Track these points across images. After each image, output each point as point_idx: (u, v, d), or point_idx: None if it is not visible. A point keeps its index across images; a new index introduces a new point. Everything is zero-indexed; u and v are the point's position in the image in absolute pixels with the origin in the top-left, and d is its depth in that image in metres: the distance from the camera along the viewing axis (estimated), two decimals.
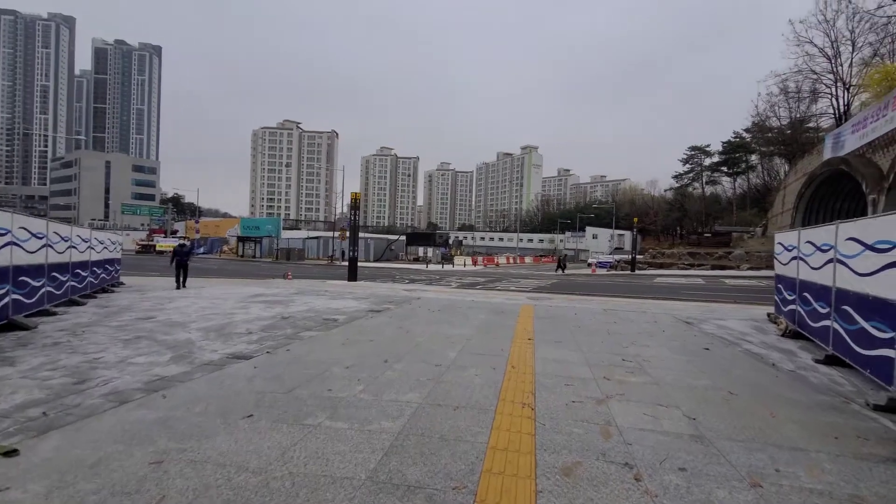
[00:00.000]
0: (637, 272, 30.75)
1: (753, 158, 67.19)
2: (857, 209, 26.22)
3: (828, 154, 25.26)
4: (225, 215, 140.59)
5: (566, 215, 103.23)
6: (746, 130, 66.24)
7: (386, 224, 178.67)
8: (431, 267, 39.19)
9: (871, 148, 19.77)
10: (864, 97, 28.63)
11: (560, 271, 29.99)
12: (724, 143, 67.51)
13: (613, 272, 33.21)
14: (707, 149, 71.31)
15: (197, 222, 63.03)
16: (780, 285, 8.84)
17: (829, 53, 29.33)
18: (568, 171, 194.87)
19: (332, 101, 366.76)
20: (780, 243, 8.83)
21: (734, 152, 66.66)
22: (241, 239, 57.42)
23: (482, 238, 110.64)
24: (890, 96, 18.48)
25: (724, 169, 69.44)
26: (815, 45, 30.18)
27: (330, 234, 46.83)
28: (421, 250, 51.45)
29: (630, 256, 38.11)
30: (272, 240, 55.92)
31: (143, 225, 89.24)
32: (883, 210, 17.06)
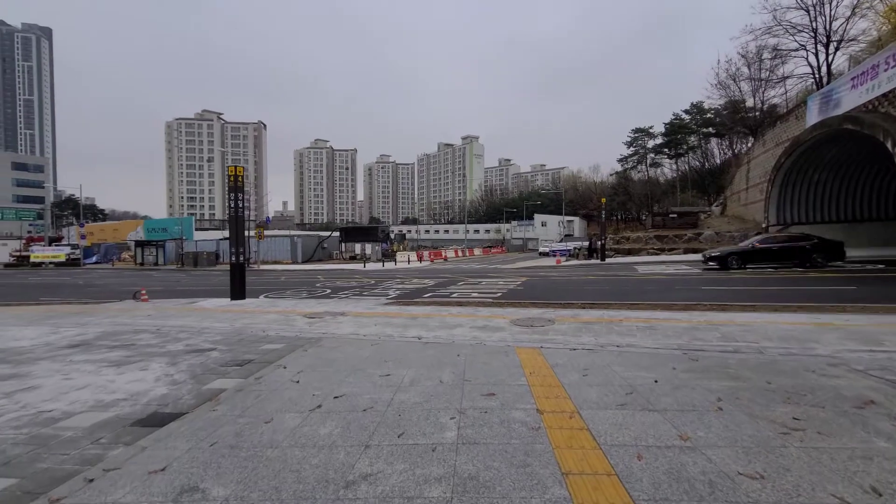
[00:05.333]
0: (607, 260, 26.72)
1: (692, 139, 67.02)
2: (841, 181, 23.59)
3: (813, 118, 22.23)
4: (134, 216, 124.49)
5: (511, 204, 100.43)
6: (686, 111, 65.82)
7: (324, 220, 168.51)
8: (370, 266, 33.13)
9: (889, 100, 16.43)
10: (853, 50, 26.38)
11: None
12: (665, 124, 66.82)
13: (578, 262, 29.05)
14: (651, 130, 70.50)
15: (82, 226, 51.99)
16: None
17: (810, 2, 26.80)
18: (509, 160, 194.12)
19: (265, 93, 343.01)
20: None
21: (675, 134, 66.07)
22: (139, 244, 47.89)
23: (427, 231, 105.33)
24: None
25: (667, 151, 68.97)
26: None
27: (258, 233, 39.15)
28: (359, 247, 45.03)
29: (590, 243, 34.33)
30: (178, 243, 46.94)
31: (29, 231, 75.22)
32: None
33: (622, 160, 77.19)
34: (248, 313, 10.01)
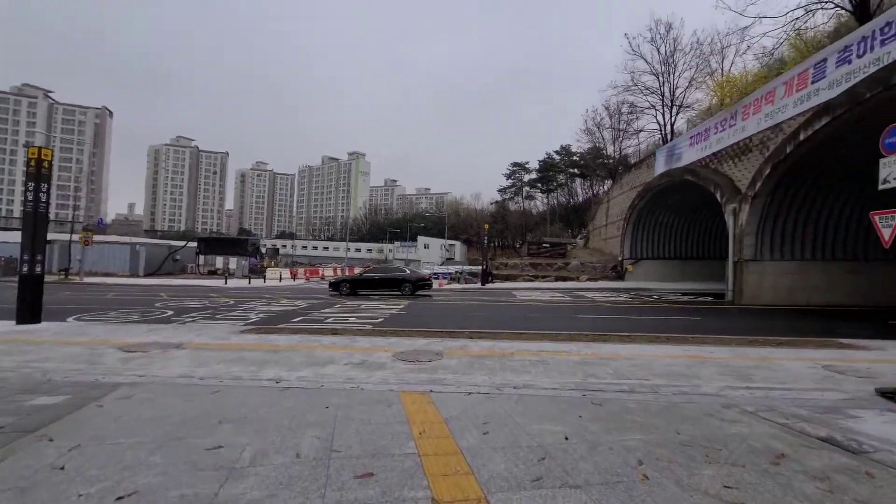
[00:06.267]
0: (487, 285, 27.33)
1: (561, 178, 74.70)
2: (679, 223, 27.66)
3: (660, 168, 25.83)
4: None
5: (395, 225, 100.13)
6: (556, 152, 73.29)
7: (182, 229, 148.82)
8: (233, 283, 29.16)
9: (717, 158, 19.63)
10: (690, 114, 31.65)
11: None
12: (539, 161, 73.43)
13: (460, 286, 29.28)
14: (527, 166, 76.69)
15: None
16: None
17: (659, 70, 31.74)
18: (395, 181, 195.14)
19: (126, 84, 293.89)
20: None
21: (548, 171, 72.92)
22: None
23: (304, 247, 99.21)
24: (738, 105, 18.34)
25: (540, 186, 75.63)
26: (646, 61, 32.29)
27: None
28: (221, 261, 39.80)
29: (478, 268, 35.08)
30: None
31: None
32: (747, 220, 16.20)
33: (501, 191, 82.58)
34: (34, 345, 7.30)
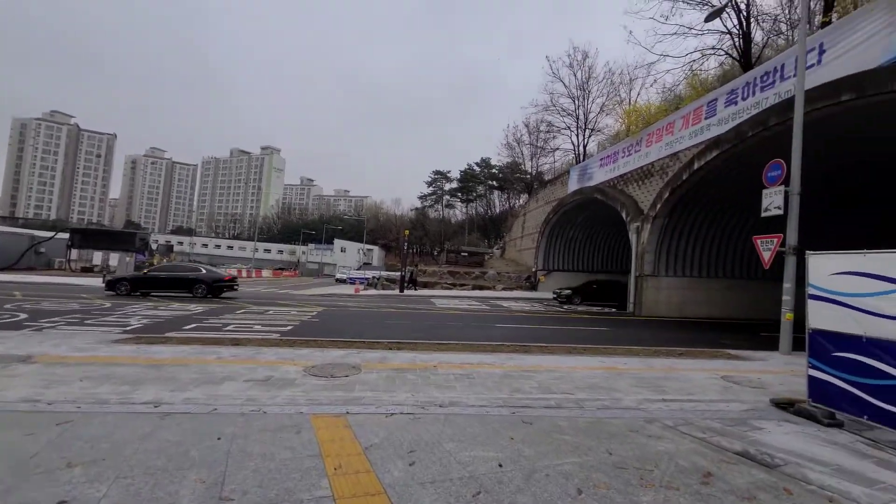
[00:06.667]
0: (405, 292, 26.83)
1: (480, 189, 76.94)
2: (588, 238, 29.56)
3: (573, 185, 27.44)
4: None
5: (310, 226, 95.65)
6: (477, 164, 75.41)
7: (53, 217, 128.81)
8: None
9: (623, 180, 21.25)
10: (599, 139, 34.07)
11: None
12: (461, 171, 74.97)
13: (377, 291, 28.45)
14: (448, 175, 77.81)
15: None
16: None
17: (575, 94, 33.88)
18: (312, 181, 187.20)
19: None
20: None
21: (468, 182, 74.68)
22: None
23: (205, 245, 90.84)
24: (643, 133, 20.03)
25: (460, 195, 77.15)
26: (564, 84, 34.30)
27: None
28: (100, 256, 34.69)
29: (411, 273, 34.42)
30: None
31: None
32: (647, 238, 17.65)
33: (422, 198, 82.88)
34: None
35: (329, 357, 7.05)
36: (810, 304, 4.95)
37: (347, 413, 4.41)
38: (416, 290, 28.39)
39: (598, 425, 4.42)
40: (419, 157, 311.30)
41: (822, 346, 4.80)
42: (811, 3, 20.49)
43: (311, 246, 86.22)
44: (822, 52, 11.27)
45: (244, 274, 45.83)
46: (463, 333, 11.19)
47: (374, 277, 36.24)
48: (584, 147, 36.14)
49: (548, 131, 39.25)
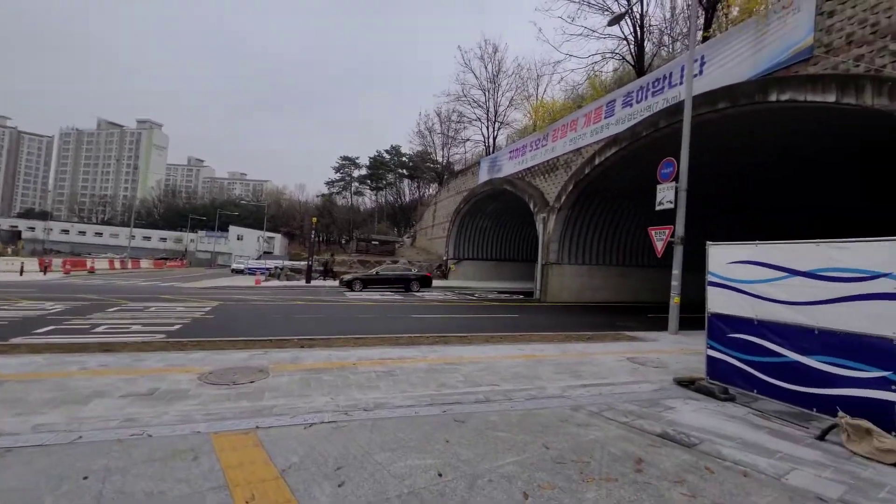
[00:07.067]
0: (312, 283, 25.39)
1: (390, 177, 75.79)
2: (497, 227, 30.54)
3: (484, 176, 28.05)
4: None
5: (200, 211, 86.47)
6: (387, 151, 74.05)
7: None
8: None
9: (531, 173, 22.17)
10: (508, 132, 34.98)
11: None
12: (370, 158, 72.92)
13: (280, 283, 26.57)
14: (357, 161, 75.25)
15: None
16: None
17: (486, 86, 34.38)
18: (202, 161, 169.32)
19: None
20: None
21: (378, 169, 73.00)
22: None
23: (66, 231, 77.78)
24: (550, 129, 21.01)
25: (369, 182, 75.14)
26: (475, 76, 34.73)
27: None
28: None
29: (302, 263, 32.46)
30: None
31: None
32: (553, 228, 18.64)
33: (329, 183, 79.20)
34: None
35: (230, 360, 6.20)
36: (710, 290, 5.39)
37: (257, 428, 3.81)
38: (333, 280, 27.05)
39: (529, 417, 4.36)
40: (328, 142, 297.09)
41: (720, 329, 5.26)
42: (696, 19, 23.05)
43: (202, 233, 78.09)
44: (703, 63, 12.62)
45: (117, 265, 40.01)
46: (379, 326, 10.75)
47: (276, 268, 33.81)
48: (494, 139, 37.25)
49: (459, 121, 39.76)
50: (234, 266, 44.60)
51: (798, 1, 10.38)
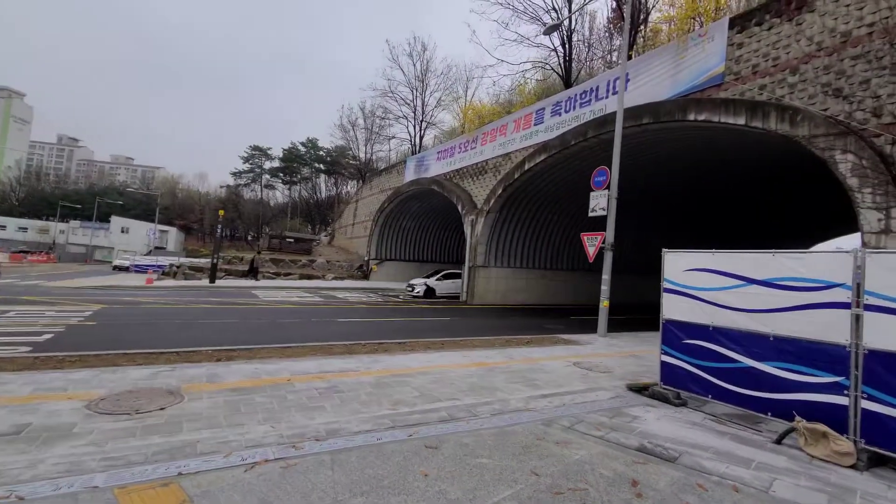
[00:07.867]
0: (217, 283, 22.82)
1: (306, 171, 71.86)
2: (422, 228, 30.14)
3: (410, 175, 27.50)
4: None
5: (74, 198, 74.76)
6: (303, 144, 70.13)
7: None
8: None
9: (459, 175, 22.12)
10: (435, 133, 34.54)
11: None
12: (284, 150, 68.38)
13: (177, 282, 23.58)
14: (269, 152, 70.10)
15: None
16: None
17: (414, 84, 33.64)
18: (76, 140, 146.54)
19: None
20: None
21: (291, 161, 68.70)
22: None
23: None
24: (479, 132, 21.12)
25: (282, 176, 70.43)
26: (403, 73, 33.95)
27: None
28: None
29: (203, 260, 29.17)
30: None
31: None
32: (481, 231, 18.72)
33: (236, 174, 72.80)
34: None
35: (127, 380, 5.00)
36: (665, 297, 5.46)
37: (180, 475, 2.94)
38: (256, 280, 24.60)
39: (504, 437, 3.98)
40: (237, 131, 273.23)
41: (674, 335, 5.33)
42: (617, 39, 24.79)
43: (77, 223, 67.41)
44: (628, 80, 13.37)
45: None
46: (306, 332, 9.73)
47: (172, 265, 30.02)
48: (421, 139, 36.84)
49: (384, 117, 38.71)
50: (117, 262, 39.03)
51: (712, 31, 11.38)
